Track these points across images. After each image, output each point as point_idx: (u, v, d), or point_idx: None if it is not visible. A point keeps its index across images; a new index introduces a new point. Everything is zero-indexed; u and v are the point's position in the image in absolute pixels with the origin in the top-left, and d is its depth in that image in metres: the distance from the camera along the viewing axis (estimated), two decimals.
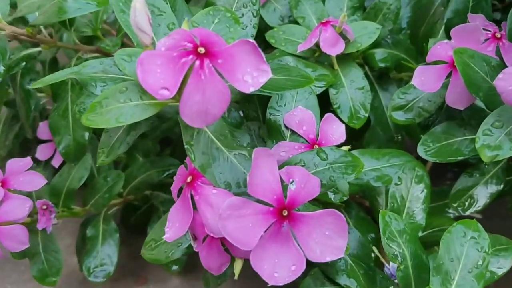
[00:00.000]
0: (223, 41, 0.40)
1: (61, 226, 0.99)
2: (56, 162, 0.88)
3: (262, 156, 0.40)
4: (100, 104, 0.43)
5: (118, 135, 0.52)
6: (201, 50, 0.38)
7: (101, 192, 0.75)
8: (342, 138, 0.60)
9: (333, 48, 0.66)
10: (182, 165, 0.48)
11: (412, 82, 0.60)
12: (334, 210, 0.42)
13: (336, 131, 0.60)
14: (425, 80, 0.59)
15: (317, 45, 0.68)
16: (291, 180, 0.42)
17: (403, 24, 0.87)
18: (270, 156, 0.41)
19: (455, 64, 0.54)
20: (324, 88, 0.64)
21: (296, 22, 0.75)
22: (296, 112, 0.58)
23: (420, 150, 0.63)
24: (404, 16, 0.87)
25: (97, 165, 0.52)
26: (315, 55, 0.70)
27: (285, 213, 0.41)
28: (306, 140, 0.58)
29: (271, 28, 0.75)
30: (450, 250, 0.49)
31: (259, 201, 0.41)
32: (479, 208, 0.68)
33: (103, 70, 0.49)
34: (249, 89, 0.39)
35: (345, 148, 0.60)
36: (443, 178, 0.95)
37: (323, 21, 0.67)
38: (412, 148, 0.83)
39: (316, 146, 0.57)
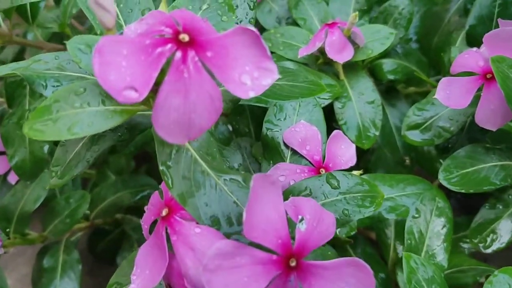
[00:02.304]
0: (212, 29, 0.30)
1: (17, 253, 0.87)
2: (12, 178, 0.75)
3: (263, 186, 0.30)
4: (48, 109, 0.32)
5: (76, 150, 0.41)
6: (184, 37, 0.27)
7: (62, 216, 0.63)
8: (352, 160, 0.50)
9: (340, 54, 0.56)
10: (157, 192, 0.37)
11: (435, 96, 0.51)
12: (356, 259, 0.31)
13: (345, 152, 0.50)
14: (451, 94, 0.50)
15: (320, 50, 0.58)
16: (300, 217, 0.32)
17: (410, 34, 0.78)
18: (274, 185, 0.31)
19: (494, 74, 0.44)
20: (330, 101, 0.54)
21: (296, 24, 0.65)
22: (299, 127, 0.48)
23: (442, 178, 0.53)
24: (412, 26, 0.78)
25: (47, 188, 0.40)
26: (318, 63, 0.60)
27: (293, 262, 0.30)
28: (310, 162, 0.48)
29: (266, 31, 0.65)
30: None
31: (257, 245, 0.30)
32: (503, 245, 0.59)
33: (58, 66, 0.38)
34: (248, 93, 0.28)
35: (357, 173, 0.50)
36: None
37: (329, 22, 0.57)
38: (422, 174, 0.74)
39: (322, 170, 0.47)
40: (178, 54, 0.27)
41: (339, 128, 0.58)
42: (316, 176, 0.42)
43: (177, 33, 0.28)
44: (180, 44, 0.27)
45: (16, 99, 0.62)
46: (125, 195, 0.68)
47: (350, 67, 0.60)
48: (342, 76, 0.60)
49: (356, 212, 0.40)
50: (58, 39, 0.74)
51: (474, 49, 0.52)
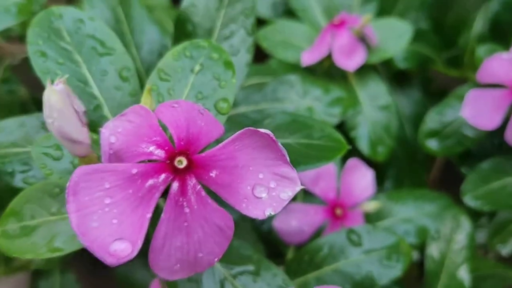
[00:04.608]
0: (214, 125, 0.24)
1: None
2: None
3: None
4: (18, 215, 0.27)
5: None
6: (181, 161, 0.21)
7: None
8: (369, 190, 0.45)
9: (350, 60, 0.49)
10: (157, 282, 0.32)
11: (461, 113, 0.45)
12: None
13: (361, 180, 0.45)
14: (479, 110, 0.44)
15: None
16: None
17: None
18: None
19: None
20: (340, 118, 0.48)
21: (294, 15, 0.57)
22: None
23: (466, 193, 0.48)
24: None
25: None
26: (323, 64, 0.53)
27: None
28: (323, 201, 0.43)
29: (260, 20, 0.57)
30: None
31: None
32: None
33: (25, 137, 0.32)
34: (265, 212, 0.23)
35: (374, 204, 0.45)
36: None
37: (335, 22, 0.50)
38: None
39: (338, 210, 0.42)
40: (175, 185, 0.21)
41: (348, 140, 0.52)
42: (336, 232, 0.37)
43: (172, 155, 0.21)
44: (177, 171, 0.21)
45: None
46: None
47: (360, 68, 0.54)
48: (351, 78, 0.53)
49: (382, 274, 0.36)
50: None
51: (504, 54, 0.45)
